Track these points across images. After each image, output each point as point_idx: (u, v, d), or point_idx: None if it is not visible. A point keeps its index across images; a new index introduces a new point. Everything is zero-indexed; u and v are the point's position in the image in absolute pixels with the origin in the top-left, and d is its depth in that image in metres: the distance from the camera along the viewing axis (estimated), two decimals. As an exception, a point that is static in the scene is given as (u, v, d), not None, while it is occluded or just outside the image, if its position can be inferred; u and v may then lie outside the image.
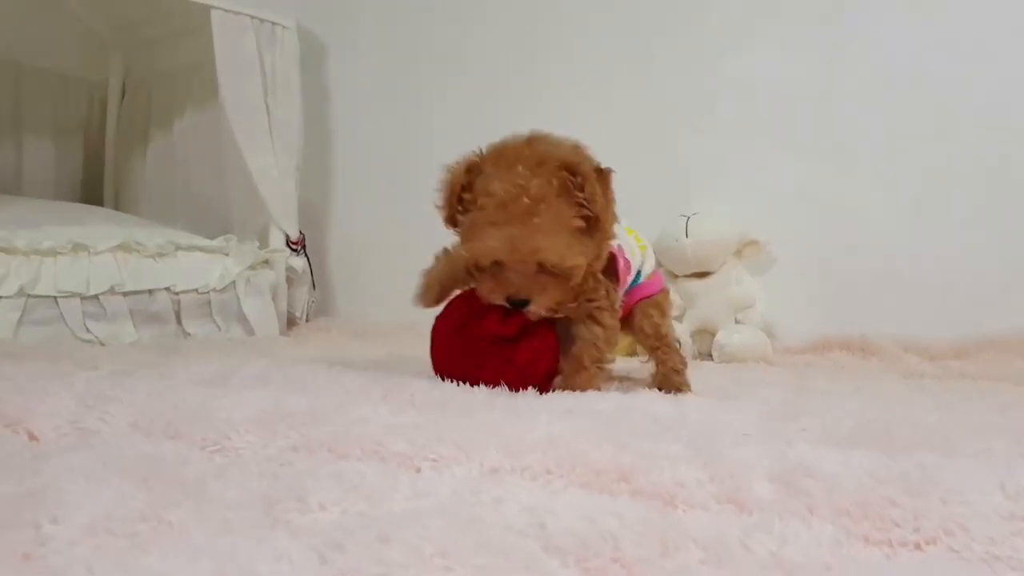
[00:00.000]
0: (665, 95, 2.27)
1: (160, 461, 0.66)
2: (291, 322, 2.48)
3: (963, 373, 1.73)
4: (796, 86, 2.08)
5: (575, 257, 1.02)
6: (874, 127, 1.99)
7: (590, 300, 1.12)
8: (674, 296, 2.11)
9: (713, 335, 2.02)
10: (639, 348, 1.41)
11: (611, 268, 1.17)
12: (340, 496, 0.56)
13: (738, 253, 2.09)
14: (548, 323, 1.12)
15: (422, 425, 0.76)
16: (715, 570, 0.48)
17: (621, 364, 1.49)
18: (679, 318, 2.06)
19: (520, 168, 1.00)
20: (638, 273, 1.27)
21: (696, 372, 1.66)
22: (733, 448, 0.68)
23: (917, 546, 0.56)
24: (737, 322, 2.03)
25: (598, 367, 1.13)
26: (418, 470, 0.66)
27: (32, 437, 0.79)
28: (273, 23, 2.39)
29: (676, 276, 2.11)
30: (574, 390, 1.09)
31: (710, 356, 2.02)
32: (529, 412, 0.83)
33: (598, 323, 1.13)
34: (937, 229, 1.92)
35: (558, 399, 0.98)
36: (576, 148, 1.07)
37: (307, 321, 2.56)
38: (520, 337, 1.09)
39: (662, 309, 1.31)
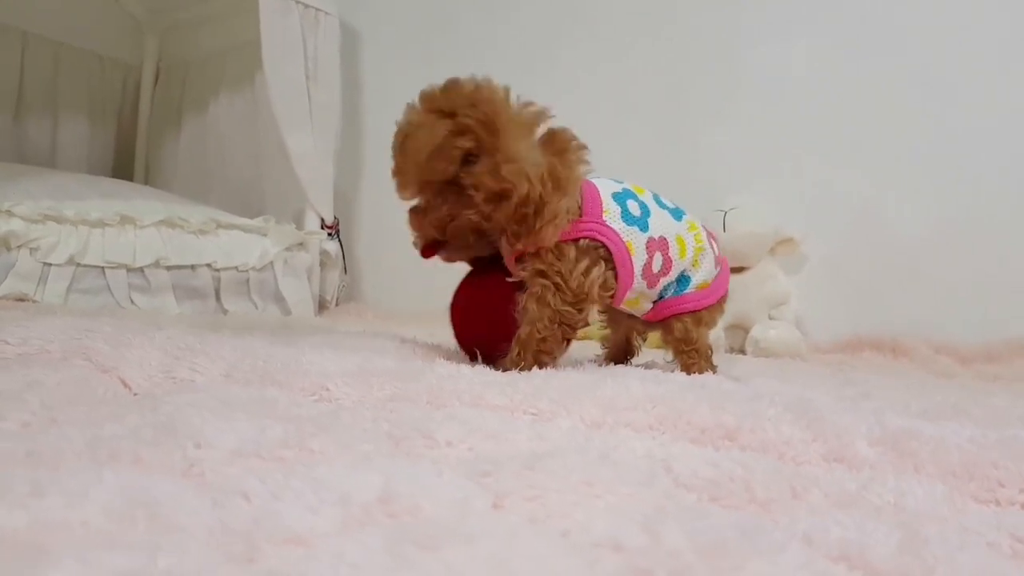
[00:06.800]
0: (692, 89, 2.29)
1: (273, 403, 0.67)
2: (322, 305, 2.50)
3: (996, 376, 1.73)
4: (831, 85, 2.09)
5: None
6: (909, 128, 2.00)
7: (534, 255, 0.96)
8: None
9: (746, 331, 2.02)
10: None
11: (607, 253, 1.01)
12: (465, 435, 0.57)
13: (771, 250, 2.10)
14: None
15: (513, 382, 0.77)
16: (846, 511, 0.49)
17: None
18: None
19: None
20: (685, 279, 1.09)
21: (736, 364, 1.67)
22: (830, 413, 0.69)
23: (1024, 506, 0.57)
24: (770, 318, 2.04)
25: (533, 354, 0.95)
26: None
27: (125, 385, 0.79)
28: (316, 9, 2.41)
29: (711, 271, 2.11)
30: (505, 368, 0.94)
31: (742, 351, 2.03)
32: (615, 375, 0.84)
33: (536, 298, 0.96)
34: (968, 232, 1.93)
35: (634, 369, 0.99)
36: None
37: (336, 305, 2.58)
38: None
39: (699, 319, 1.10)
